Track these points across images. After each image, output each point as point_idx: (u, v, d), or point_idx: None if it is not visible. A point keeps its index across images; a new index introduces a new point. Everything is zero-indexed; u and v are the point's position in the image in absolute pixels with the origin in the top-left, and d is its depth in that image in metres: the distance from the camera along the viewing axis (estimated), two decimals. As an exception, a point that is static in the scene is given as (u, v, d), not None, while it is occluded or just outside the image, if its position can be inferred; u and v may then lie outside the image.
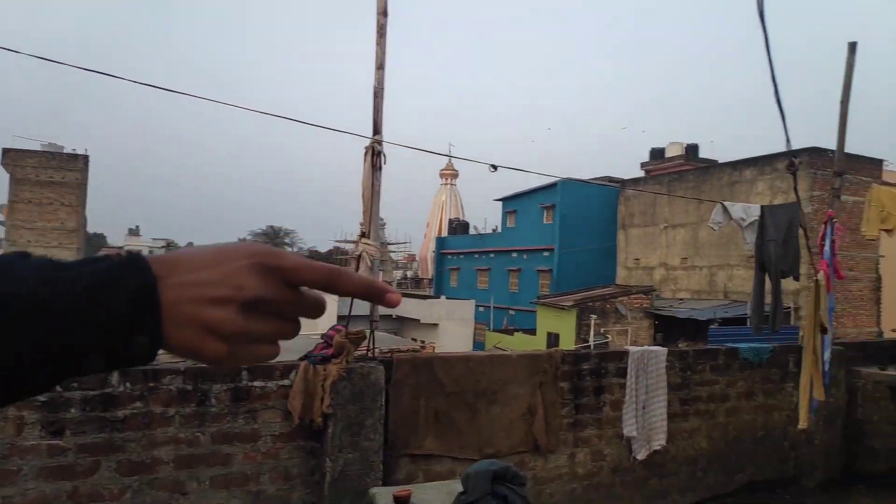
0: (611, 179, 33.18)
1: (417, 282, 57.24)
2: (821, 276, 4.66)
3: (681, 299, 25.82)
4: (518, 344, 25.78)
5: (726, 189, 23.35)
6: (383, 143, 4.02)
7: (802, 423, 5.01)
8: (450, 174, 62.32)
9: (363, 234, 4.17)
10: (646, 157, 34.84)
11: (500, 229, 38.78)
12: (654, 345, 9.77)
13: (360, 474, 4.30)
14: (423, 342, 19.60)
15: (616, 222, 30.34)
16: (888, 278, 22.67)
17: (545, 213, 33.11)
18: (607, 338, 24.71)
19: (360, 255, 4.20)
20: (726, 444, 6.13)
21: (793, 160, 3.40)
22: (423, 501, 2.92)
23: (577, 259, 31.50)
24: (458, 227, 46.37)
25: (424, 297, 34.25)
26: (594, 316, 24.95)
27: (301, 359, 4.37)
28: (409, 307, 29.37)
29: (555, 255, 31.81)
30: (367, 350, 4.40)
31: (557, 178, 26.05)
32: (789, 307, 20.05)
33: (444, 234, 49.92)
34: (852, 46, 5.72)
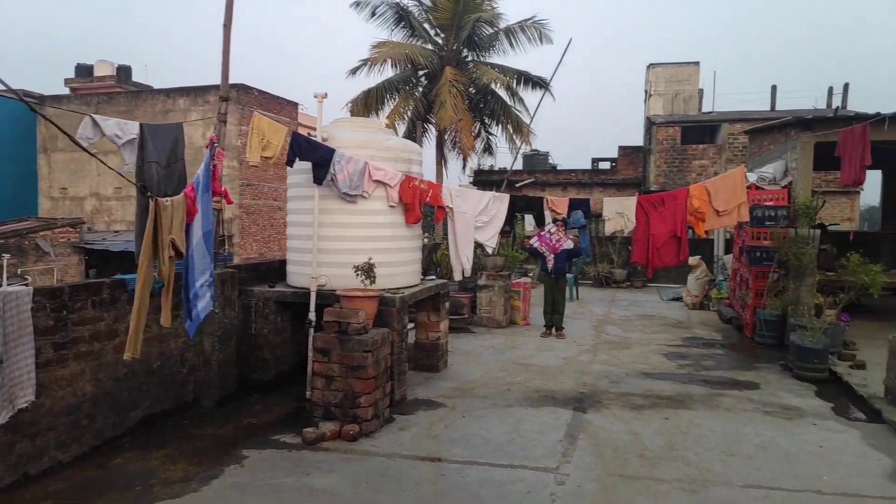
0: (28, 94, 27.93)
1: None
2: (177, 198, 4.50)
3: (116, 231, 24.20)
4: None
5: (160, 116, 22.59)
6: None
7: (127, 354, 4.67)
8: None
9: None
10: (71, 74, 30.50)
11: None
12: (88, 281, 8.41)
13: None
14: None
15: (36, 145, 25.92)
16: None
17: (-70, 128, 25.66)
18: (27, 279, 21.31)
19: None
20: (116, 382, 5.69)
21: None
22: None
23: (-16, 188, 25.76)
24: None
25: None
26: (7, 255, 21.07)
27: None
28: None
29: (-51, 183, 25.21)
30: None
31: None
32: (223, 235, 21.06)
33: None
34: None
